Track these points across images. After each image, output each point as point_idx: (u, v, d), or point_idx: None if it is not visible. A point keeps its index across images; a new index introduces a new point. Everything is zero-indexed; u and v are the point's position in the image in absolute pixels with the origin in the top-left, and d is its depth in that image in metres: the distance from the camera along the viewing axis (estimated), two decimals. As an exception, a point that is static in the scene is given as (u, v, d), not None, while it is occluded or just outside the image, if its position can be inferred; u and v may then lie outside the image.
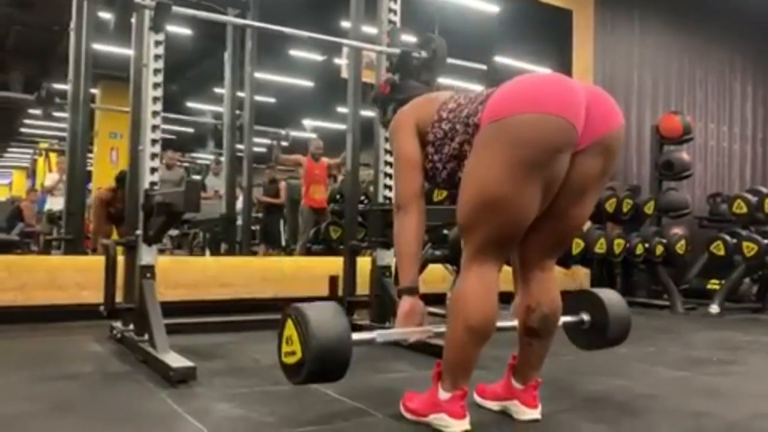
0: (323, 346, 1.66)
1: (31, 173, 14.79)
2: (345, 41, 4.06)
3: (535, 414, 2.00)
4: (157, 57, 2.94)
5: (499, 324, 1.92)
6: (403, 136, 2.03)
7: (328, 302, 1.80)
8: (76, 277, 4.01)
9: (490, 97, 1.79)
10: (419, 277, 2.06)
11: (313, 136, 13.68)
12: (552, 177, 1.74)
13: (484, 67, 4.02)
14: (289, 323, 1.73)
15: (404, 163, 2.02)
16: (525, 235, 1.86)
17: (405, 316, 1.99)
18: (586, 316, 2.26)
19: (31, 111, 11.58)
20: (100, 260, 3.29)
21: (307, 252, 6.60)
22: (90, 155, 7.02)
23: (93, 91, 6.36)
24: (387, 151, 3.63)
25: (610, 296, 2.27)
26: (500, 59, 7.76)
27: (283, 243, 8.18)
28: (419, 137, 2.01)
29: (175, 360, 2.46)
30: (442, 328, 1.93)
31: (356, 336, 1.79)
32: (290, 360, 1.73)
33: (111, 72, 9.60)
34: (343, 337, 1.70)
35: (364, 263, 3.85)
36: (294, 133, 14.42)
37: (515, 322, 2.06)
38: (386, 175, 3.64)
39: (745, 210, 5.69)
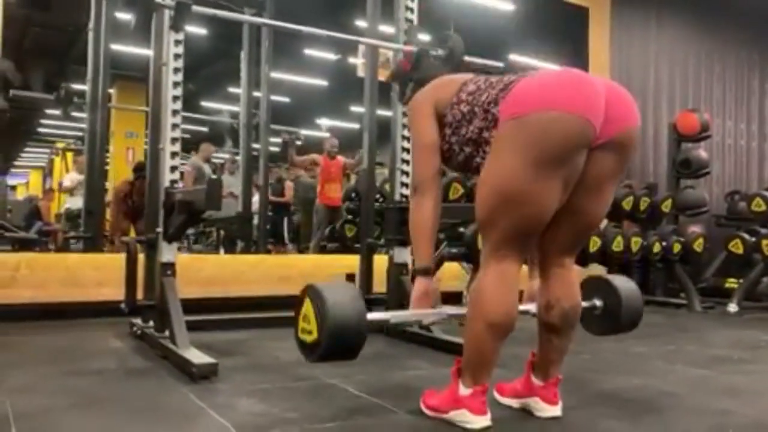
0: (339, 325, 1.68)
1: (48, 173, 14.92)
2: (362, 39, 4.08)
3: (555, 411, 2.00)
4: (176, 56, 2.97)
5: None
6: (422, 119, 2.03)
7: (346, 283, 1.82)
8: (95, 274, 4.06)
9: (512, 90, 1.79)
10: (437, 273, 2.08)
11: (327, 135, 13.74)
12: (570, 173, 1.76)
13: (500, 64, 4.02)
14: (307, 301, 1.77)
15: (422, 145, 2.03)
16: (543, 232, 1.87)
17: (419, 297, 2.00)
18: (598, 302, 2.27)
19: (48, 111, 11.69)
20: (118, 258, 3.33)
21: (322, 250, 6.63)
22: (107, 154, 7.09)
23: (109, 90, 6.41)
24: (404, 149, 3.63)
25: (623, 282, 2.28)
26: (516, 57, 7.74)
27: (287, 240, 8.25)
28: (437, 119, 2.01)
29: (197, 356, 2.48)
30: (456, 310, 1.95)
31: (371, 316, 1.81)
32: (306, 337, 1.76)
33: (126, 72, 9.69)
34: (359, 317, 1.72)
35: (380, 261, 3.86)
36: (308, 133, 14.51)
37: (528, 306, 2.08)
38: (402, 172, 3.65)
39: (763, 208, 5.63)
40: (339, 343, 1.70)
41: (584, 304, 2.23)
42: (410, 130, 2.14)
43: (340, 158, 7.25)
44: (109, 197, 6.83)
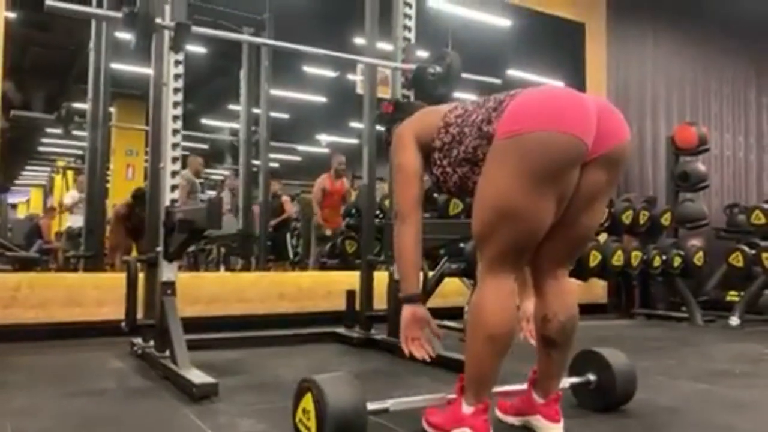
0: (340, 428, 1.75)
1: (49, 191, 14.95)
2: (360, 58, 4.11)
3: (557, 428, 1.99)
4: (176, 76, 3.00)
5: None
6: (402, 148, 2.07)
7: (346, 377, 1.89)
8: (95, 294, 4.06)
9: (505, 108, 1.82)
10: (434, 290, 2.09)
11: (327, 150, 13.75)
12: (564, 189, 1.80)
13: (498, 81, 4.05)
14: (308, 396, 1.83)
15: (402, 173, 2.06)
16: (537, 245, 1.88)
17: (407, 325, 2.02)
18: (592, 377, 2.31)
19: (49, 129, 11.74)
20: (119, 277, 3.33)
21: (322, 267, 6.63)
22: (107, 172, 7.11)
23: (110, 109, 6.45)
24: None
25: (615, 356, 2.32)
26: (514, 72, 7.79)
27: (291, 256, 8.21)
28: (422, 148, 2.04)
29: (197, 376, 2.48)
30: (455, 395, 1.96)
31: (371, 406, 1.87)
32: (304, 430, 1.84)
33: (126, 90, 9.74)
34: (359, 415, 1.80)
35: (380, 277, 3.86)
36: (308, 149, 14.53)
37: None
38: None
39: (763, 221, 5.64)
40: None
41: (578, 379, 2.30)
42: (391, 162, 2.17)
43: (345, 182, 7.14)
44: (109, 214, 6.83)
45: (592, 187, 1.86)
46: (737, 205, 6.93)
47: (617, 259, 5.36)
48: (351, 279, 4.15)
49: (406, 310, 2.02)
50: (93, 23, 5.39)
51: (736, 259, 5.59)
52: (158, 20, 2.87)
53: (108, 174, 7.20)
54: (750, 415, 2.36)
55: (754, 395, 2.74)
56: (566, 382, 2.11)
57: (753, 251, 5.49)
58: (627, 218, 5.58)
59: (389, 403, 1.94)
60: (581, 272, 5.30)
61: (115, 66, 5.69)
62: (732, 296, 5.92)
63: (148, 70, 3.34)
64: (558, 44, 7.08)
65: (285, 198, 8.34)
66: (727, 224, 6.78)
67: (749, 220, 5.78)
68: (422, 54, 4.03)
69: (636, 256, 5.49)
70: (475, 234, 1.88)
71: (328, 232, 6.93)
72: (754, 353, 3.96)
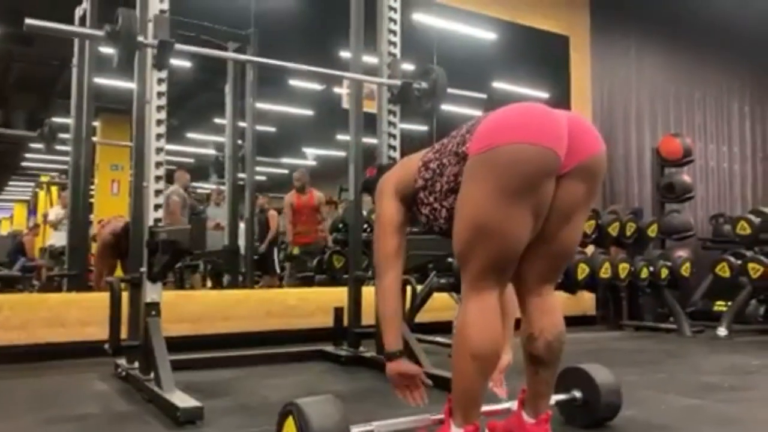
0: None
1: (33, 207, 14.79)
2: (346, 74, 4.09)
3: (548, 449, 1.97)
4: (160, 94, 2.97)
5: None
6: (382, 198, 2.10)
7: (329, 399, 1.86)
8: (79, 314, 4.00)
9: (477, 128, 1.84)
10: (402, 339, 2.08)
11: (314, 163, 13.74)
12: (540, 202, 1.79)
13: (484, 96, 4.05)
14: (290, 420, 1.79)
15: (381, 224, 2.08)
16: (520, 263, 1.88)
17: (394, 383, 2.06)
18: (578, 394, 2.31)
19: (33, 145, 11.62)
20: (103, 297, 3.27)
21: (309, 282, 6.61)
22: (91, 187, 7.03)
23: (94, 124, 6.39)
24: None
25: (600, 373, 2.32)
26: (499, 85, 7.81)
27: (278, 270, 8.15)
28: (405, 195, 2.06)
29: (182, 399, 2.44)
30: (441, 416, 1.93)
31: (355, 430, 1.84)
32: None
33: (111, 105, 9.67)
34: None
35: (369, 293, 3.83)
36: (295, 162, 14.50)
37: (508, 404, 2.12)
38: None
39: (749, 231, 5.67)
40: None
41: (564, 396, 2.31)
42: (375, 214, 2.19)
43: (314, 194, 6.99)
44: (94, 230, 6.75)
45: (569, 201, 1.86)
46: (723, 215, 6.99)
47: (605, 272, 5.38)
48: (339, 295, 4.12)
49: (390, 368, 2.03)
50: (76, 39, 5.34)
51: (723, 270, 5.62)
52: (141, 38, 2.85)
53: (92, 189, 7.14)
54: (741, 431, 2.35)
55: (743, 410, 2.73)
56: (552, 399, 2.09)
57: (739, 261, 5.53)
58: (614, 230, 5.60)
59: (374, 426, 1.91)
60: (570, 285, 5.30)
61: (99, 81, 5.64)
62: (719, 306, 5.95)
63: (133, 85, 3.30)
64: (543, 57, 7.12)
65: (272, 212, 8.28)
66: (713, 235, 6.83)
67: (735, 230, 5.82)
68: (408, 67, 4.03)
69: (623, 268, 5.50)
70: (456, 253, 1.88)
71: (296, 251, 6.89)
72: (742, 364, 3.96)
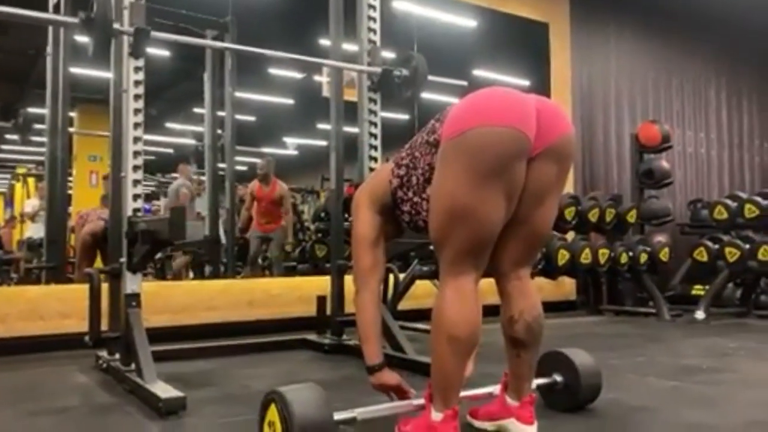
0: None
1: (9, 199, 14.57)
2: (326, 62, 4.06)
3: (532, 430, 1.99)
4: (137, 83, 2.92)
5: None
6: (357, 212, 2.13)
7: (312, 386, 1.85)
8: (58, 306, 3.95)
9: (446, 115, 1.87)
10: (382, 348, 2.15)
11: (295, 152, 13.65)
12: (512, 184, 1.81)
13: (465, 83, 4.06)
14: (272, 408, 1.78)
15: (357, 241, 2.12)
16: (495, 247, 1.90)
17: (379, 391, 2.12)
18: (558, 378, 2.34)
19: (8, 136, 11.42)
20: (82, 289, 3.24)
21: (292, 271, 6.59)
22: (69, 179, 6.93)
23: (71, 114, 6.28)
24: (372, 169, 3.64)
25: (580, 357, 2.35)
26: (480, 73, 7.82)
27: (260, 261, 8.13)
28: (383, 203, 2.10)
29: (164, 390, 2.42)
30: (422, 401, 1.94)
31: (338, 416, 1.84)
32: None
33: (88, 95, 9.53)
34: (327, 424, 1.77)
35: (351, 281, 3.82)
36: (275, 151, 14.42)
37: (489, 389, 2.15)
38: (371, 193, 3.63)
39: (725, 216, 5.76)
40: None
41: (545, 380, 2.33)
42: None
43: (277, 185, 6.88)
44: (72, 222, 6.66)
45: (541, 183, 1.88)
46: (700, 200, 7.08)
47: (585, 257, 5.43)
48: (322, 284, 4.11)
49: (372, 380, 2.10)
50: (50, 27, 5.24)
51: (701, 254, 5.70)
52: (117, 26, 2.81)
53: (70, 181, 7.03)
54: (718, 412, 2.39)
55: (721, 391, 2.78)
56: (533, 383, 2.11)
57: (716, 246, 5.61)
58: (594, 216, 5.65)
59: (356, 412, 1.92)
60: (550, 270, 5.35)
61: (76, 70, 5.54)
62: (697, 290, 6.05)
63: (110, 74, 3.25)
64: (523, 45, 7.13)
65: None
66: (690, 220, 6.92)
67: (712, 215, 5.90)
68: (388, 55, 4.02)
69: (603, 254, 5.56)
70: (433, 240, 1.90)
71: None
72: (719, 347, 4.02)
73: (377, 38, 3.76)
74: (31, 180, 10.69)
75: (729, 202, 5.84)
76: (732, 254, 5.43)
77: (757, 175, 8.60)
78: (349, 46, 4.16)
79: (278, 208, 6.92)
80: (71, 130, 6.53)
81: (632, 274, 5.93)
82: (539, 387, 2.30)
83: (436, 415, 1.84)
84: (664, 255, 5.83)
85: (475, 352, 2.13)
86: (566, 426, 2.17)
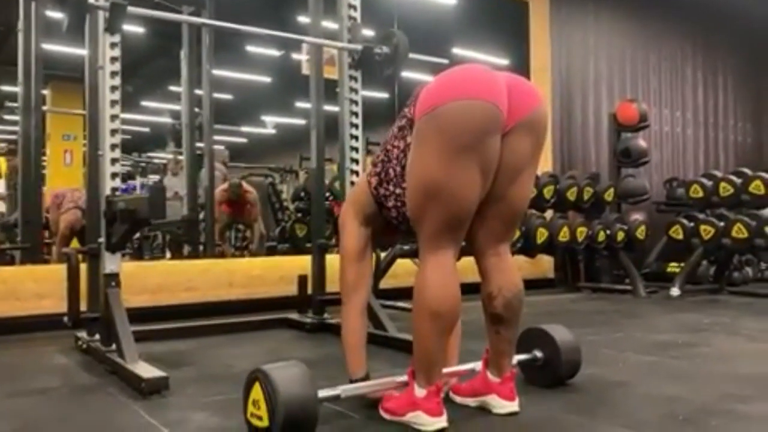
0: (291, 413, 1.72)
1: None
2: (306, 38, 4.01)
3: (513, 406, 2.02)
4: (113, 59, 2.87)
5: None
6: (344, 227, 2.16)
7: (295, 363, 1.85)
8: (34, 287, 3.90)
9: (419, 95, 1.89)
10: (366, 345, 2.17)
11: (273, 132, 13.52)
12: (486, 159, 1.82)
13: (446, 61, 4.05)
14: (256, 386, 1.79)
15: (342, 255, 2.16)
16: (473, 224, 1.93)
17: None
18: (539, 353, 2.37)
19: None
20: (59, 269, 3.20)
21: (272, 251, 6.57)
22: (43, 158, 6.81)
23: (43, 92, 6.14)
24: (353, 148, 3.63)
25: (560, 333, 2.38)
26: (460, 52, 7.80)
27: (233, 241, 8.11)
28: (366, 211, 2.12)
29: (146, 370, 2.41)
30: (405, 378, 1.96)
31: (322, 393, 1.85)
32: (257, 423, 1.79)
33: (61, 72, 9.32)
34: (310, 401, 1.77)
35: (332, 261, 3.83)
36: (253, 130, 14.28)
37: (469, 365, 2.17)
38: (352, 171, 3.63)
39: (701, 194, 5.84)
40: (291, 430, 1.73)
41: (525, 356, 2.36)
42: None
43: (247, 198, 6.94)
44: (47, 202, 6.55)
45: (515, 158, 1.90)
46: (676, 179, 7.16)
47: (563, 235, 5.49)
48: (303, 263, 4.11)
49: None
50: (21, 1, 5.10)
51: (676, 232, 5.79)
52: (91, 0, 2.74)
53: (44, 160, 6.91)
54: (693, 386, 2.45)
55: (696, 365, 2.85)
56: (514, 359, 2.14)
57: (692, 224, 5.70)
58: (572, 195, 5.70)
59: (340, 390, 1.93)
60: (529, 248, 5.40)
61: (50, 47, 5.41)
62: (672, 268, 6.14)
63: (84, 51, 3.18)
64: (502, 24, 7.12)
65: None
66: (666, 198, 7.01)
67: (688, 193, 5.98)
68: (369, 33, 3.98)
69: (581, 232, 5.62)
70: (411, 218, 1.93)
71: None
72: (694, 323, 4.11)
73: (357, 15, 3.72)
74: (2, 159, 10.45)
75: (704, 180, 5.92)
76: (707, 232, 5.53)
77: (732, 154, 8.72)
78: (329, 24, 4.12)
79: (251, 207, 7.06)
80: (44, 108, 6.40)
81: (609, 252, 6.01)
82: (520, 363, 2.33)
83: (420, 392, 1.86)
84: (640, 233, 5.91)
85: (458, 337, 2.16)
86: (547, 401, 2.21)
